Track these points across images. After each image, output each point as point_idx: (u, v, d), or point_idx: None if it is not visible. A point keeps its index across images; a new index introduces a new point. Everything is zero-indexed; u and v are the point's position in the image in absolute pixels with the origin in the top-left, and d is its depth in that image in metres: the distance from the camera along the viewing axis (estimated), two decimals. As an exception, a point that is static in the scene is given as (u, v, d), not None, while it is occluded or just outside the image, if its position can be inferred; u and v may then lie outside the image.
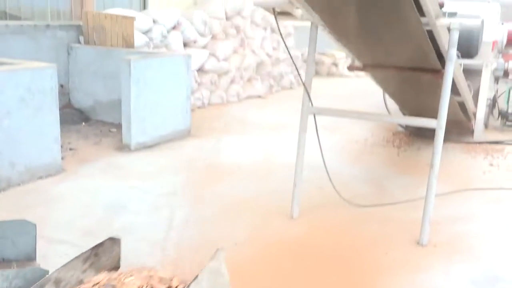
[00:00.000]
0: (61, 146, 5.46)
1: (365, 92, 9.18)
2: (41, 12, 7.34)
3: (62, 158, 5.38)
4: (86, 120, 7.27)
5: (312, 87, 4.43)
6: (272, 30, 10.60)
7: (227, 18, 9.47)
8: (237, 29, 9.62)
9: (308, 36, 4.39)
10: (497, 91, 8.74)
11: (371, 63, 4.80)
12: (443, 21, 3.88)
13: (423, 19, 3.78)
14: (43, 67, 5.08)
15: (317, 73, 13.96)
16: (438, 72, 4.29)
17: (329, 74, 13.85)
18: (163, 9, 8.56)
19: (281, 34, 4.60)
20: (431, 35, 4.08)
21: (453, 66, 3.99)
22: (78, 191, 4.80)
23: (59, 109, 5.28)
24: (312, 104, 4.46)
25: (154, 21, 7.98)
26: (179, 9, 8.77)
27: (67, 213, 4.28)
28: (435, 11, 3.78)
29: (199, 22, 8.70)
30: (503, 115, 8.01)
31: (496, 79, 8.36)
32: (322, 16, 4.07)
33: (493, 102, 8.45)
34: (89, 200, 4.60)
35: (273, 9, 4.25)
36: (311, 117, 4.47)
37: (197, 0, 9.63)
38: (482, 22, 7.08)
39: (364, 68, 5.01)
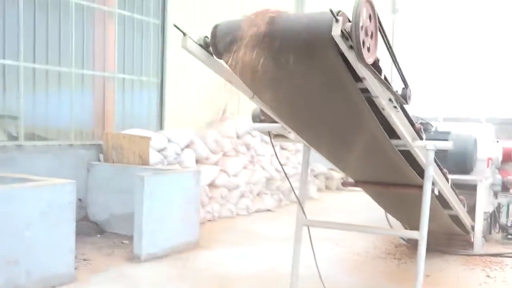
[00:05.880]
0: (75, 257, 5.82)
1: (373, 205, 9.50)
2: (66, 132, 8.02)
3: (76, 268, 5.73)
4: (101, 232, 7.69)
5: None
6: (281, 147, 11.20)
7: (238, 137, 10.14)
8: (247, 146, 10.25)
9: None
10: (498, 205, 9.01)
11: (360, 180, 5.21)
12: (418, 143, 4.33)
13: (399, 142, 4.23)
14: (63, 183, 5.58)
15: (327, 188, 14.38)
16: (421, 187, 4.65)
17: (339, 189, 14.22)
18: (178, 129, 9.25)
19: (276, 154, 5.09)
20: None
21: (430, 183, 4.37)
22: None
23: (76, 222, 5.71)
24: (306, 217, 4.84)
25: (169, 140, 8.63)
26: (193, 129, 9.46)
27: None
28: (410, 134, 4.24)
29: (211, 141, 9.35)
30: (503, 228, 8.23)
31: (495, 194, 8.67)
32: (304, 137, 4.58)
33: (494, 216, 8.70)
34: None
35: (269, 132, 4.80)
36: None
37: (210, 121, 10.36)
38: (475, 140, 7.56)
39: (356, 184, 5.41)
